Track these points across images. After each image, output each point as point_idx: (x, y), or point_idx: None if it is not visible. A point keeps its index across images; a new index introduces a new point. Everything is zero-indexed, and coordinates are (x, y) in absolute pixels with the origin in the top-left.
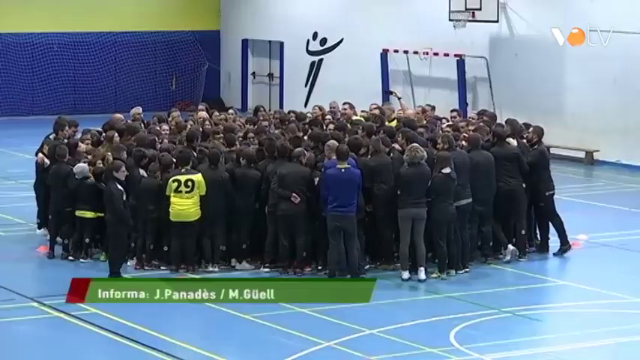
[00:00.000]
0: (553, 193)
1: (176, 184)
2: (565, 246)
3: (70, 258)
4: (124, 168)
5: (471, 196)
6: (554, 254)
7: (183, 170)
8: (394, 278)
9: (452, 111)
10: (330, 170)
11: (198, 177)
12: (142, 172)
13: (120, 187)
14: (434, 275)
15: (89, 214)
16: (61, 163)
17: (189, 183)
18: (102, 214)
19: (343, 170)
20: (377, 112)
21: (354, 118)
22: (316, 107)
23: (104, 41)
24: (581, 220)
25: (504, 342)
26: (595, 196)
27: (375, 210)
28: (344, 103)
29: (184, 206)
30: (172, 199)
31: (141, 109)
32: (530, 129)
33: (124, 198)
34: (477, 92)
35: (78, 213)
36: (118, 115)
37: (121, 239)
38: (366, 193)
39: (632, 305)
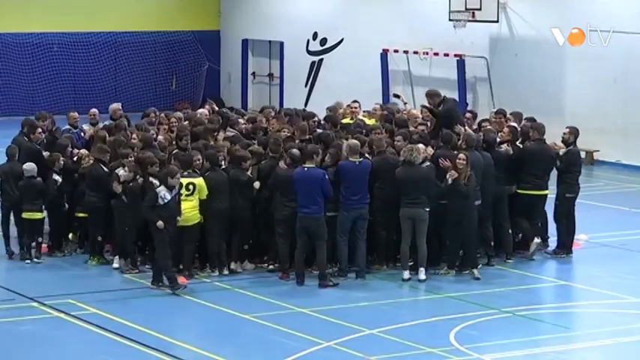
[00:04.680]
0: (572, 197)
1: None
2: (560, 249)
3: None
4: (178, 175)
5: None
6: (545, 252)
7: (185, 173)
8: (394, 278)
9: (467, 112)
10: (296, 170)
11: (199, 180)
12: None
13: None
14: (442, 272)
15: (38, 215)
16: (11, 162)
17: (190, 186)
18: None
19: (307, 169)
20: (384, 112)
21: (359, 117)
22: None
23: (104, 41)
24: (581, 220)
25: (504, 342)
26: (595, 196)
27: (372, 210)
28: (353, 101)
29: (183, 209)
30: None
31: (120, 104)
32: (567, 130)
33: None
34: (477, 92)
35: (25, 215)
36: (115, 105)
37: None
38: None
39: (632, 305)
